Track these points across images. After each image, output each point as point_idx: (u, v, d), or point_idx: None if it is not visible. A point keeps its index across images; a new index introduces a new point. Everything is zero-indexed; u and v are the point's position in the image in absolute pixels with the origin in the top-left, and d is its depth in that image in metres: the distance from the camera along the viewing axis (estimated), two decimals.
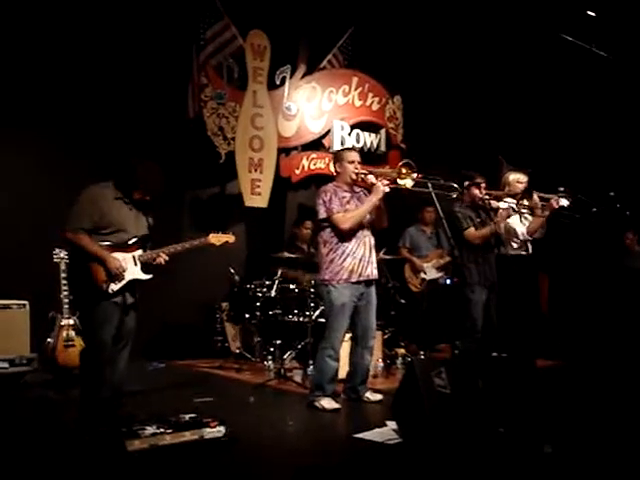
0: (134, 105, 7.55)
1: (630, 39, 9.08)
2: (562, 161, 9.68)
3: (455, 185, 5.33)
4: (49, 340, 6.22)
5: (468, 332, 6.10)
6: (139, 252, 4.76)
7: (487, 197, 6.23)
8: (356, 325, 5.54)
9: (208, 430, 4.11)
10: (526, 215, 6.49)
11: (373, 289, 5.59)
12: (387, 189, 5.30)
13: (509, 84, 10.07)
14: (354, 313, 5.48)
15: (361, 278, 5.43)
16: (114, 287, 4.62)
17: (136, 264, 4.74)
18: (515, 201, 6.20)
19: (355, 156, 5.58)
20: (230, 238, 5.26)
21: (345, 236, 5.40)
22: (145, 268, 4.81)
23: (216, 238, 5.18)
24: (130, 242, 4.71)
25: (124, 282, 4.67)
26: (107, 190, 4.72)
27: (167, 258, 4.92)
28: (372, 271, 5.53)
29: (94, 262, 4.56)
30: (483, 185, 6.27)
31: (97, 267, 4.57)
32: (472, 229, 6.17)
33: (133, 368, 5.08)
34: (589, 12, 8.67)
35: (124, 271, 4.65)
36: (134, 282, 4.75)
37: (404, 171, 5.27)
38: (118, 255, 4.64)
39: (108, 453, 3.89)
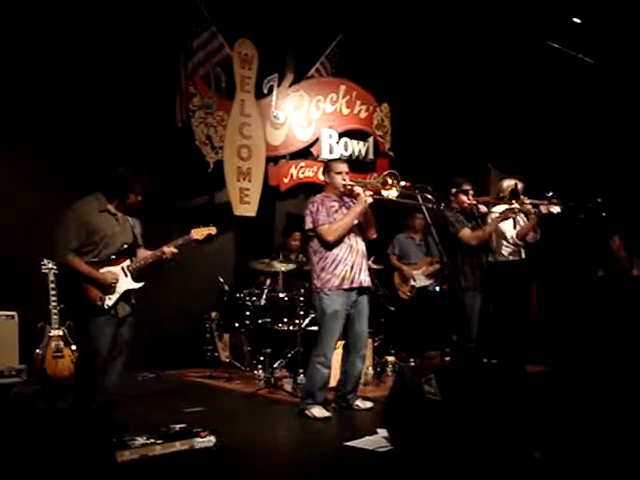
0: (122, 114, 7.52)
1: (616, 46, 9.15)
2: (550, 167, 9.73)
3: (430, 197, 5.33)
4: (38, 351, 6.19)
5: (462, 338, 6.10)
6: (127, 262, 4.77)
7: (475, 203, 6.24)
8: (348, 333, 5.55)
9: (198, 440, 4.10)
10: (519, 219, 6.52)
11: (365, 297, 5.60)
12: (370, 199, 5.33)
13: (497, 91, 10.13)
14: (346, 321, 5.48)
15: (354, 285, 5.44)
16: (109, 302, 4.64)
17: (127, 275, 4.76)
18: (506, 206, 6.24)
19: (343, 167, 5.60)
20: (212, 230, 5.20)
21: (333, 244, 5.42)
22: (136, 277, 4.81)
23: (199, 233, 5.13)
24: (117, 255, 4.71)
25: (117, 295, 4.68)
26: (92, 205, 4.73)
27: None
28: (365, 278, 5.54)
29: (86, 282, 4.57)
30: (471, 192, 6.28)
31: (89, 287, 4.59)
32: (467, 230, 6.16)
33: (123, 378, 5.06)
34: (575, 19, 8.74)
35: (117, 282, 4.66)
36: (128, 292, 4.76)
37: (389, 181, 5.29)
38: (107, 269, 4.66)
39: (98, 464, 3.88)
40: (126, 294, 4.74)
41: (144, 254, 4.93)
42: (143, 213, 5.10)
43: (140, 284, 4.82)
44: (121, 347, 4.79)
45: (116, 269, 4.70)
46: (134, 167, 4.83)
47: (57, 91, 7.16)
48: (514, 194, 6.26)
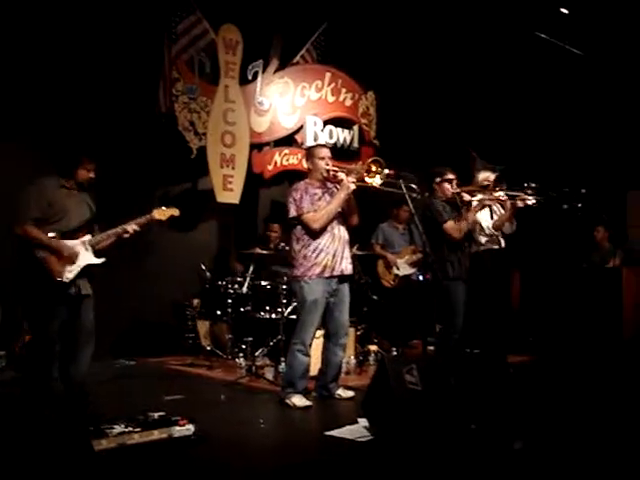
0: (105, 100, 7.43)
1: (603, 37, 9.14)
2: (535, 157, 9.73)
3: (413, 186, 5.30)
4: (17, 337, 6.13)
5: (446, 327, 6.07)
6: (87, 237, 4.75)
7: (458, 192, 6.20)
8: (329, 322, 5.52)
9: (177, 428, 4.07)
10: (495, 209, 6.51)
11: (346, 286, 5.57)
12: (353, 186, 5.27)
13: (483, 81, 10.11)
14: (327, 309, 5.45)
15: (335, 273, 5.41)
16: (69, 275, 4.60)
17: (87, 249, 4.72)
18: (488, 195, 6.22)
19: (326, 152, 5.56)
20: (175, 211, 5.17)
21: (317, 232, 5.38)
22: (96, 252, 4.78)
23: (161, 213, 5.10)
24: (76, 229, 4.68)
25: (79, 269, 4.64)
26: (51, 180, 4.77)
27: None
28: (346, 266, 5.50)
29: (46, 253, 4.54)
30: (455, 181, 6.24)
31: (50, 258, 4.54)
32: (451, 222, 6.11)
33: (102, 366, 5.02)
34: (562, 10, 8.72)
35: (77, 254, 4.63)
36: (89, 269, 4.72)
37: (373, 168, 5.24)
38: (67, 243, 4.63)
39: (74, 453, 3.83)
40: (87, 269, 4.69)
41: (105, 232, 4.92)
42: (125, 199, 5.06)
43: (100, 260, 4.79)
44: (87, 335, 4.73)
45: (76, 242, 4.67)
46: (80, 143, 4.84)
47: (38, 78, 7.07)
48: (500, 182, 6.24)
